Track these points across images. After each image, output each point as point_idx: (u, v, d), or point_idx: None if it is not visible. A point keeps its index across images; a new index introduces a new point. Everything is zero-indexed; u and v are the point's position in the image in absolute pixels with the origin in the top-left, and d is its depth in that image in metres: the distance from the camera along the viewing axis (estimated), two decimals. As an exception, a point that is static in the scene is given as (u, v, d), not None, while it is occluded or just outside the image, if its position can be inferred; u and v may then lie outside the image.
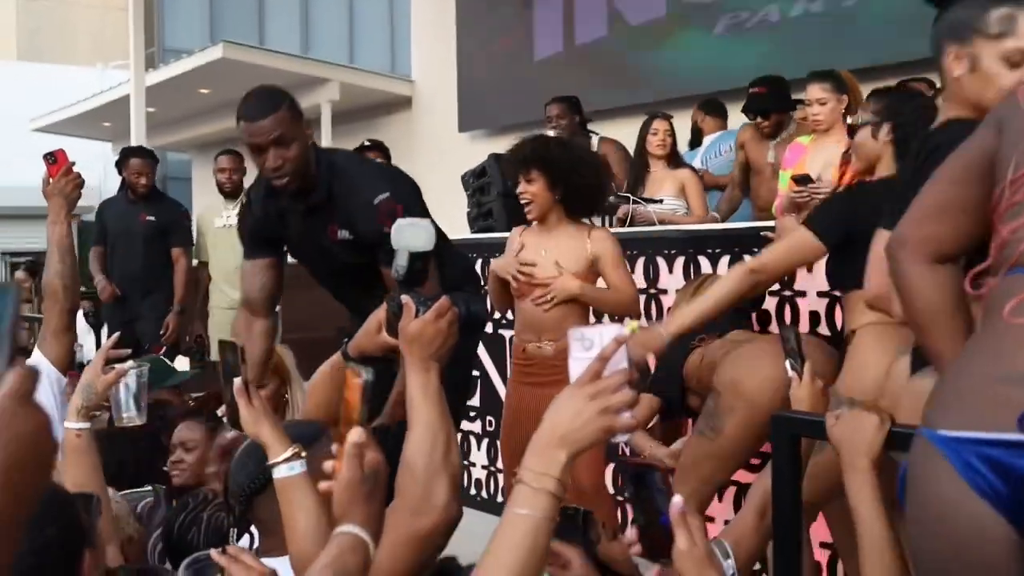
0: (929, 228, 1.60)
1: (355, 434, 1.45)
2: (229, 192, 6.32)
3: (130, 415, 2.51)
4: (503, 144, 4.16)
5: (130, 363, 2.44)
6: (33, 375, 0.86)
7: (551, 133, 5.39)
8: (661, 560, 1.46)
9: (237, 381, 1.86)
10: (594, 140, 5.75)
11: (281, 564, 1.76)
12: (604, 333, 1.37)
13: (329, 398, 2.16)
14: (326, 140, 11.38)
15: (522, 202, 3.69)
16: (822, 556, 3.58)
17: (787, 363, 2.38)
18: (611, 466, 3.89)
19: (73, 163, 2.82)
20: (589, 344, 1.39)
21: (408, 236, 1.96)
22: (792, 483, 2.01)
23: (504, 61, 10.04)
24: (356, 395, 1.51)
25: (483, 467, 4.83)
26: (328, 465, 1.53)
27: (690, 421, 3.67)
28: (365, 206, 2.85)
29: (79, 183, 2.81)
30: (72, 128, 15.77)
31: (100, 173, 22.69)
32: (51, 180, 2.77)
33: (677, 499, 1.39)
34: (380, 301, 2.82)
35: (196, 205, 17.73)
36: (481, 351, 4.85)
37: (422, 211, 2.81)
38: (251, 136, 2.81)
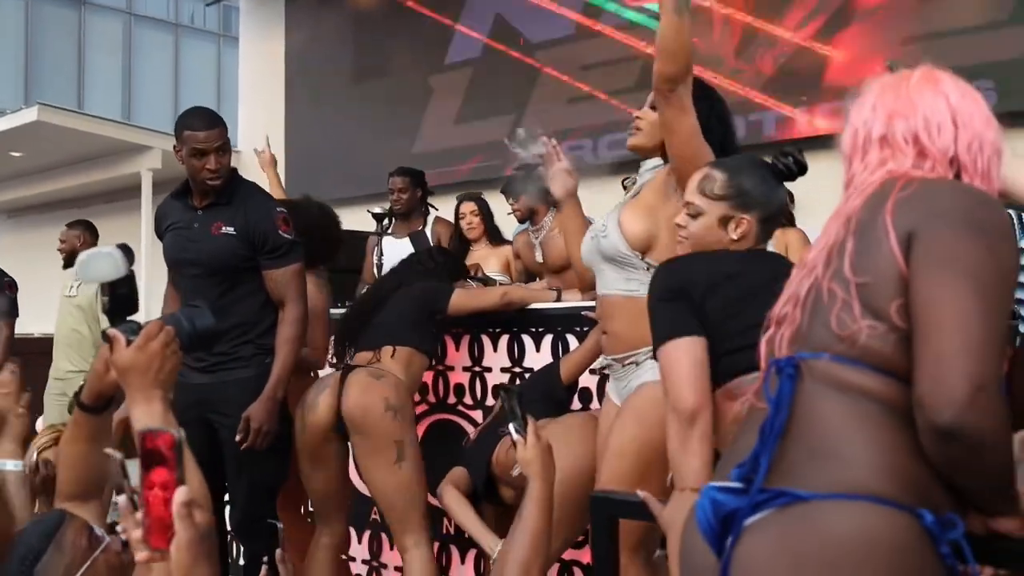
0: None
1: (182, 494, 1.36)
2: (67, 262, 6.37)
3: None
4: (331, 217, 4.16)
5: None
6: None
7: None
8: None
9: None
10: (431, 216, 5.79)
11: None
12: None
13: (87, 459, 1.99)
14: (146, 209, 11.06)
15: None
16: None
17: (510, 426, 2.35)
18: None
19: None
20: None
21: (95, 268, 1.87)
22: (612, 563, 2.03)
23: (333, 133, 10.04)
24: (171, 455, 1.41)
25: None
26: (136, 535, 1.41)
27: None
28: (266, 208, 3.60)
29: None
30: None
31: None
32: None
33: None
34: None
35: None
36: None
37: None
38: (200, 142, 3.49)
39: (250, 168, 11.23)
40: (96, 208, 13.02)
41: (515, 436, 2.31)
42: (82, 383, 2.01)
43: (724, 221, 2.38)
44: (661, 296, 2.25)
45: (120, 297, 1.86)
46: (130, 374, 1.77)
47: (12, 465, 2.06)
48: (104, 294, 1.86)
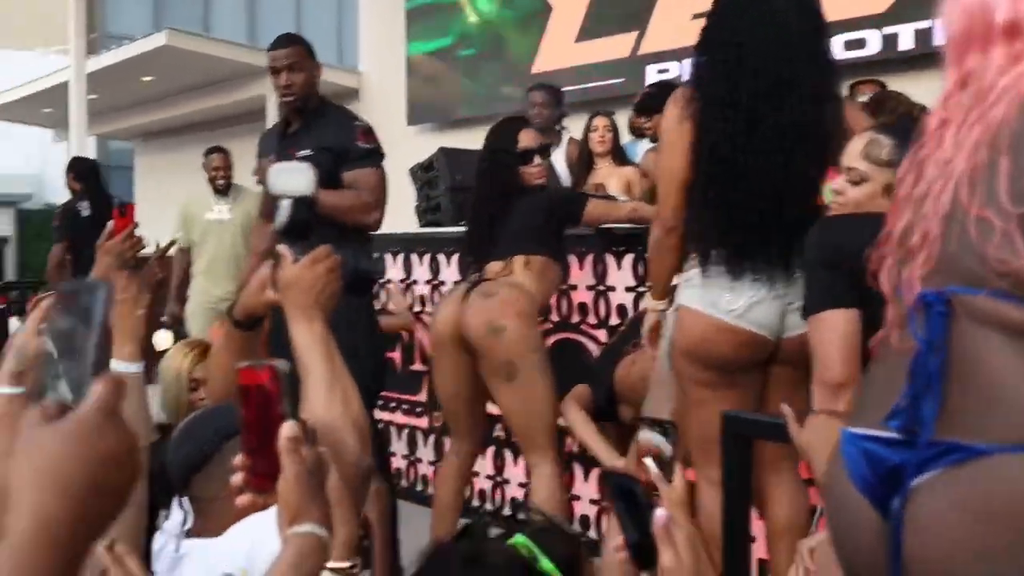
0: None
1: (288, 429, 1.31)
2: (221, 189, 6.36)
3: None
4: (452, 137, 4.15)
5: None
6: (121, 387, 0.80)
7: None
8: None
9: None
10: (564, 137, 5.75)
11: (209, 545, 1.71)
12: None
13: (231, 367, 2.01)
14: (271, 131, 11.26)
15: None
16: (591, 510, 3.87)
17: (651, 462, 1.70)
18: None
19: (136, 225, 2.46)
20: None
21: (286, 180, 1.85)
22: (743, 484, 2.00)
23: (453, 53, 10.01)
24: (274, 389, 1.38)
25: (430, 463, 4.77)
26: (237, 478, 1.36)
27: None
28: (346, 124, 3.65)
29: (137, 250, 2.44)
30: (10, 114, 15.45)
31: (40, 160, 22.28)
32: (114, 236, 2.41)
33: (660, 512, 1.35)
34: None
35: (138, 194, 17.50)
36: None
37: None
38: (273, 60, 3.69)
39: (371, 88, 11.39)
40: (223, 131, 13.34)
41: (654, 470, 1.64)
42: (231, 304, 2.04)
43: (889, 189, 2.22)
44: (818, 260, 2.19)
45: (300, 219, 1.85)
46: (292, 290, 1.76)
47: (136, 367, 2.07)
48: (286, 209, 1.85)
